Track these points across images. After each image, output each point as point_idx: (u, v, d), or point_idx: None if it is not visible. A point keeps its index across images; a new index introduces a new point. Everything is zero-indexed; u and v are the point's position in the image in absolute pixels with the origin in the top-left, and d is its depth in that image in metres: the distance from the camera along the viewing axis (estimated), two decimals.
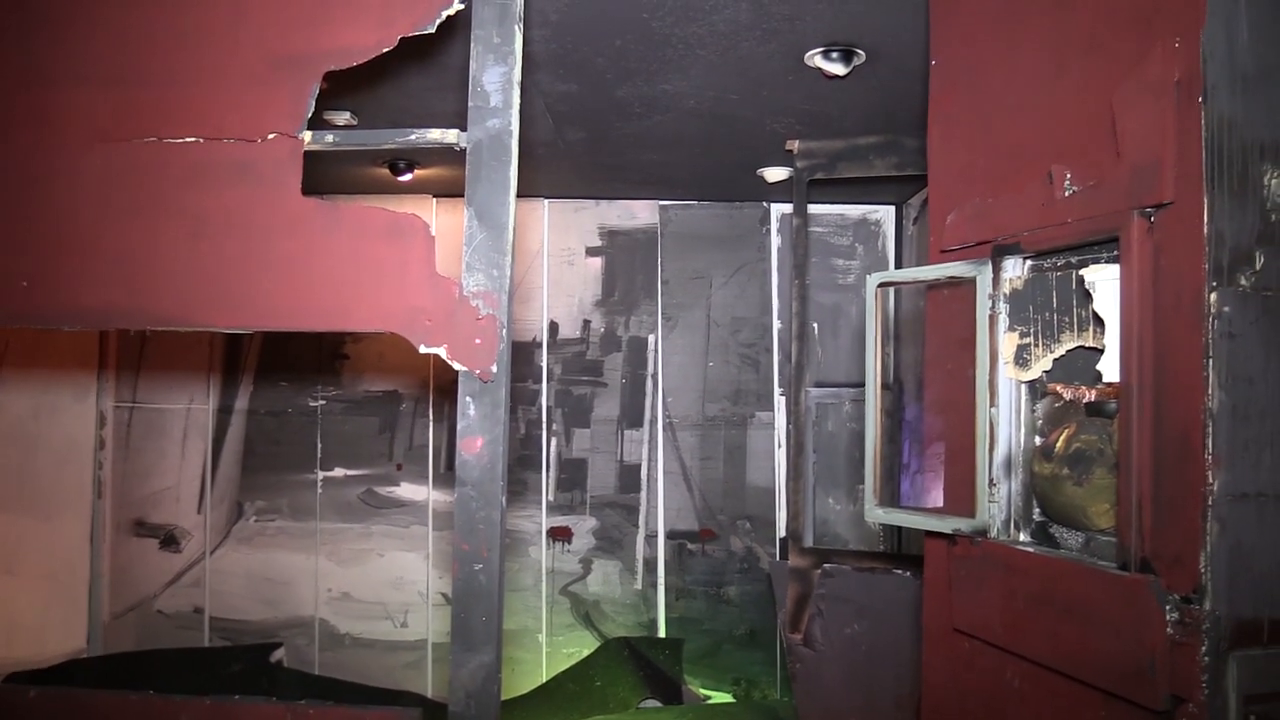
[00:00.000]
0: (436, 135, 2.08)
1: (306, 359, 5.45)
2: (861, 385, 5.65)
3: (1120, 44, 1.70)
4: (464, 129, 2.04)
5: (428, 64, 3.24)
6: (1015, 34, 2.01)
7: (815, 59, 3.18)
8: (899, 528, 5.46)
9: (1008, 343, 1.97)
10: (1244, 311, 1.53)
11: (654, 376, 5.60)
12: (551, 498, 5.59)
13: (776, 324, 5.67)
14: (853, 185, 4.97)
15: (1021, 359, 1.96)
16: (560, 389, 5.62)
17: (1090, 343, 1.82)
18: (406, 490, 5.51)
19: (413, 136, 2.08)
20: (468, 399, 2.02)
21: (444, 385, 5.57)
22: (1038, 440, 1.99)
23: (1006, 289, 1.97)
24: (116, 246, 2.02)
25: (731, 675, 5.50)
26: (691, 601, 5.57)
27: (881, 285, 2.22)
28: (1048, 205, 1.83)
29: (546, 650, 5.51)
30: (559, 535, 5.58)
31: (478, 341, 2.03)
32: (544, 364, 5.60)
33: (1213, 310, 1.51)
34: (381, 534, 5.48)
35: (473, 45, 2.03)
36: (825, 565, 4.12)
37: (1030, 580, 1.82)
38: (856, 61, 3.16)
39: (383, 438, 5.51)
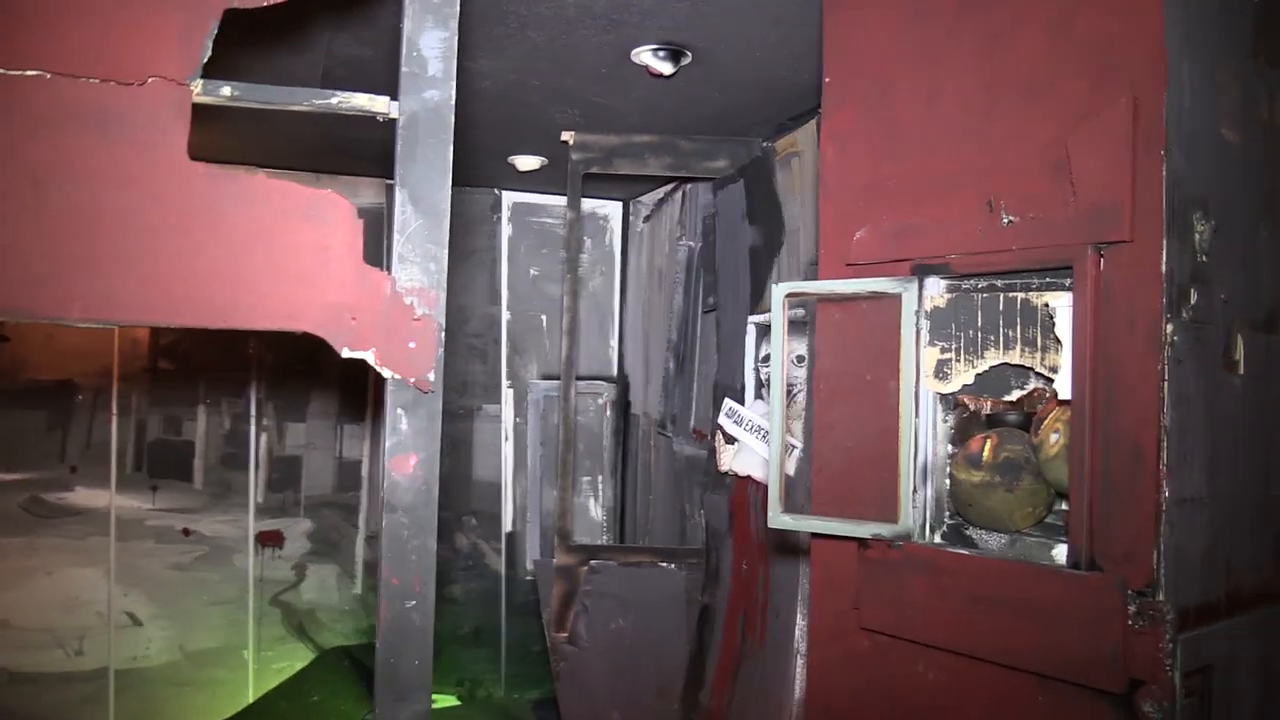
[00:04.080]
0: (363, 102, 1.81)
1: None
2: (588, 378, 5.71)
3: (1069, 89, 1.87)
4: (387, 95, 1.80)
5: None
6: (936, 65, 2.13)
7: (643, 56, 3.15)
8: (623, 522, 5.61)
9: (928, 357, 2.10)
10: (1185, 340, 1.76)
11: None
12: (260, 499, 5.03)
13: (505, 315, 5.55)
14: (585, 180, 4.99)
15: (942, 373, 2.09)
16: (273, 379, 5.06)
17: (1016, 360, 1.99)
18: (83, 496, 4.66)
19: (334, 100, 1.80)
20: (399, 411, 1.79)
21: (131, 374, 4.79)
22: (949, 448, 2.15)
23: (928, 306, 2.10)
24: None
25: (455, 676, 5.32)
26: None
27: (790, 295, 2.26)
28: (986, 232, 1.97)
29: (254, 667, 4.96)
30: (269, 540, 5.03)
31: (412, 345, 1.81)
32: (253, 351, 5.01)
33: (1167, 339, 1.72)
34: (50, 548, 4.58)
35: (408, 4, 1.80)
36: (592, 561, 4.12)
37: (965, 580, 1.96)
38: (684, 62, 3.18)
39: (53, 435, 4.60)
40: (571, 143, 4.10)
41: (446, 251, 1.82)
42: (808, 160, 3.52)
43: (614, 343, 5.75)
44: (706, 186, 4.54)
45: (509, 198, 5.53)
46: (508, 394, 5.53)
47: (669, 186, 5.17)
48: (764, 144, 3.97)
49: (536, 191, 5.55)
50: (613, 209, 5.76)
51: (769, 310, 3.82)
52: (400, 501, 1.80)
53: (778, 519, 2.26)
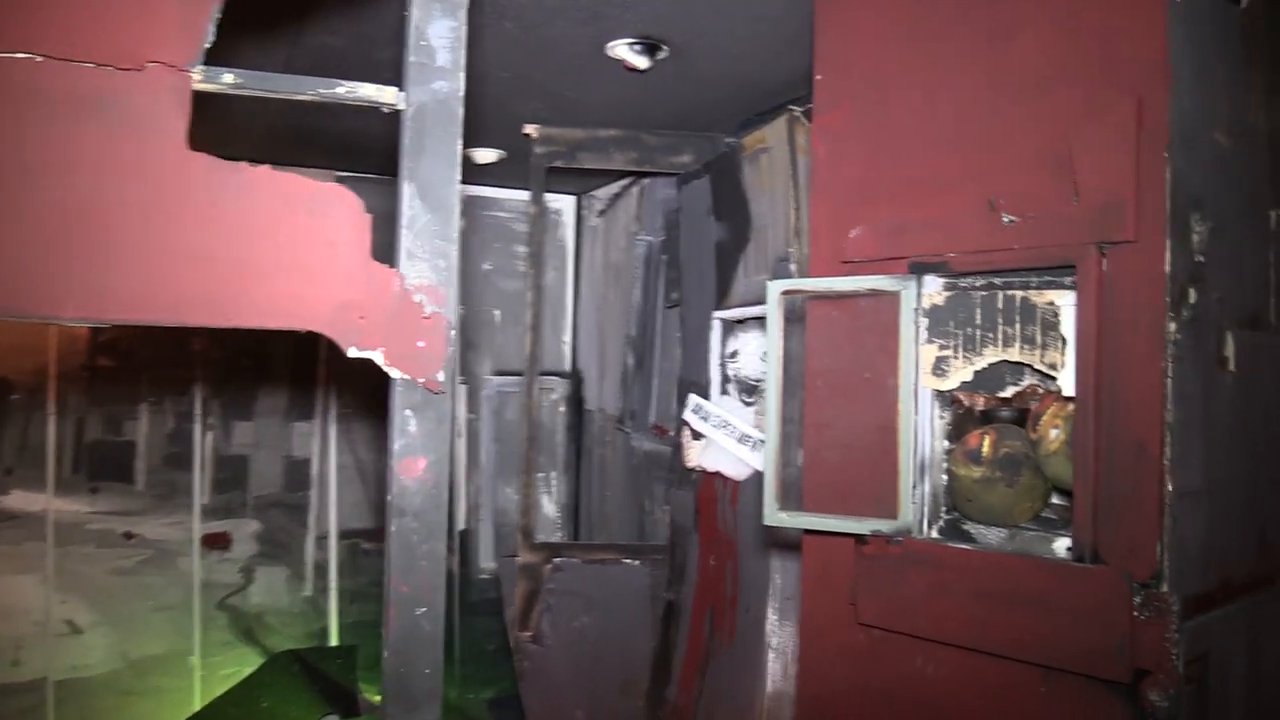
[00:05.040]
0: (370, 92, 1.76)
1: None
2: (542, 374, 5.65)
3: (1072, 88, 1.89)
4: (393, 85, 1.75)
5: None
6: (934, 63, 2.15)
7: (619, 49, 3.12)
8: (577, 518, 5.58)
9: (927, 354, 2.12)
10: (1186, 339, 1.80)
11: (326, 363, 5.10)
12: (206, 500, 4.87)
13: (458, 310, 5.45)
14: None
15: (940, 370, 2.11)
16: (218, 376, 4.90)
17: (1015, 357, 2.02)
18: (18, 500, 4.45)
19: (340, 90, 1.74)
20: (407, 412, 1.75)
21: (69, 371, 4.58)
22: (946, 444, 2.17)
23: (926, 304, 2.12)
24: None
25: None
26: (366, 604, 5.19)
27: (785, 293, 2.26)
28: (986, 230, 2.00)
29: (201, 674, 4.81)
30: (215, 542, 4.88)
31: (421, 345, 1.77)
32: (198, 347, 4.84)
33: (1170, 338, 1.76)
34: None
35: None
36: (556, 559, 4.09)
37: (967, 575, 1.98)
38: (660, 56, 3.16)
39: None
40: (535, 136, 4.04)
41: (456, 248, 1.79)
42: (777, 157, 3.52)
43: (567, 338, 5.71)
44: (666, 181, 4.53)
45: (462, 190, 5.43)
46: (460, 390, 5.45)
47: (625, 181, 5.15)
48: (730, 140, 3.97)
49: (491, 185, 5.48)
50: (566, 203, 5.71)
51: (735, 306, 3.83)
52: (409, 506, 1.75)
53: (774, 516, 2.26)
